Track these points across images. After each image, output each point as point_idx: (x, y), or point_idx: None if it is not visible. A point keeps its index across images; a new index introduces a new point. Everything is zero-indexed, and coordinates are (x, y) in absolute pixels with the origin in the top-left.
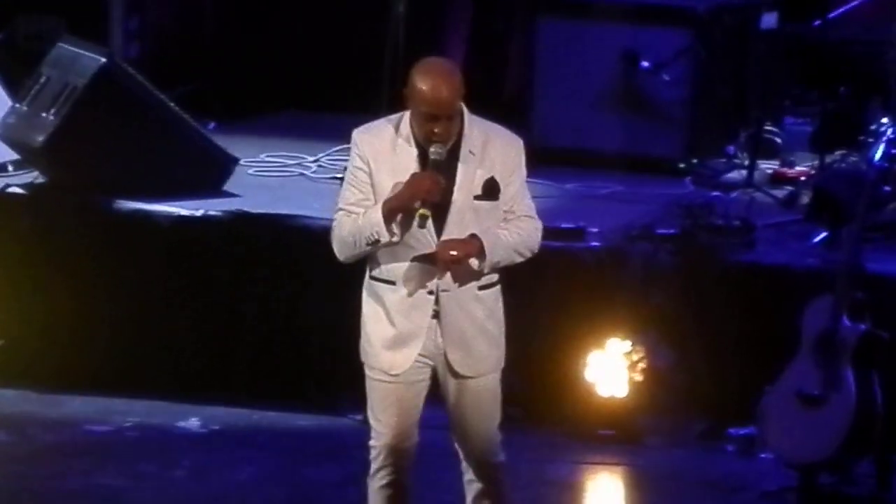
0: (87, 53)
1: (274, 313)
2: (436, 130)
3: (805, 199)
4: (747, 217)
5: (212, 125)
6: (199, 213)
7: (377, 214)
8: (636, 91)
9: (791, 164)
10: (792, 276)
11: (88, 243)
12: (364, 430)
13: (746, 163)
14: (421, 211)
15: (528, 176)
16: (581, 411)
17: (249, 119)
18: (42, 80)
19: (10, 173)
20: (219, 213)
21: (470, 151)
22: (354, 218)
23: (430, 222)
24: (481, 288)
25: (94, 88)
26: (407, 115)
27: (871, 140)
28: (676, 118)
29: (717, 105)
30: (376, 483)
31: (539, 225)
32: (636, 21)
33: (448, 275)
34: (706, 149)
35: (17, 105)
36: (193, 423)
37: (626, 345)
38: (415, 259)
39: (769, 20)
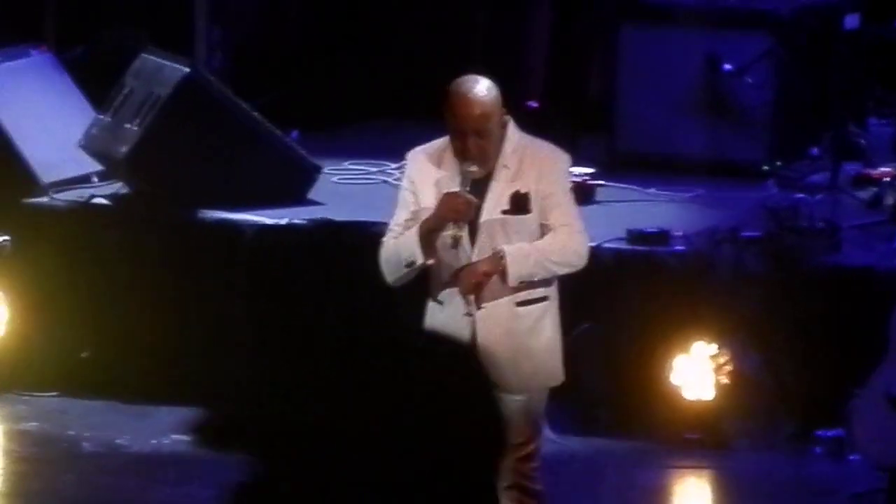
0: (170, 64)
1: (359, 323)
2: (467, 146)
3: (890, 200)
4: (832, 219)
5: (295, 134)
6: (283, 221)
7: (414, 236)
8: (719, 95)
9: (875, 166)
10: (878, 278)
11: (173, 253)
12: None
13: (830, 165)
14: (451, 231)
15: (612, 180)
16: (667, 415)
17: (332, 128)
18: (125, 90)
19: (94, 185)
20: (303, 222)
21: (504, 166)
22: (397, 241)
23: (465, 240)
24: (520, 304)
25: (177, 98)
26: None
27: None
28: (759, 121)
29: (800, 107)
30: None
31: (579, 233)
32: (718, 25)
33: (475, 297)
34: (790, 151)
35: (101, 116)
36: None
37: (713, 348)
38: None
39: (852, 21)
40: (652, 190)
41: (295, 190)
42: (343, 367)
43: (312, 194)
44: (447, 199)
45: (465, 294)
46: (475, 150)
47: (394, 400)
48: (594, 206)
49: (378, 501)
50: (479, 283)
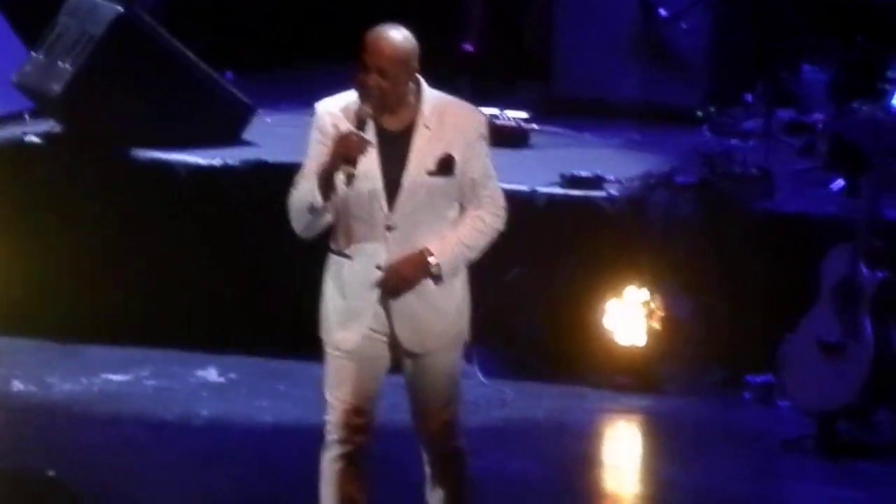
0: (103, 3)
1: (292, 262)
2: (368, 81)
3: (823, 147)
4: (765, 165)
5: (229, 74)
6: (216, 162)
7: (313, 179)
8: (654, 40)
9: (809, 112)
10: (810, 224)
11: (106, 192)
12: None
13: (764, 111)
14: (346, 168)
15: (548, 124)
16: (599, 360)
17: (267, 69)
18: (59, 29)
19: (26, 122)
20: (237, 163)
21: (425, 126)
22: (302, 187)
23: (383, 198)
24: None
25: (110, 38)
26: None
27: (888, 87)
28: (694, 67)
29: (735, 54)
30: (327, 456)
31: (501, 206)
32: None
33: (396, 253)
34: (724, 97)
35: (35, 54)
36: (211, 372)
37: (645, 293)
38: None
39: None
40: (586, 135)
41: (229, 130)
42: (277, 307)
43: (247, 135)
44: (340, 139)
45: (384, 293)
46: (374, 86)
47: None
48: (528, 151)
49: None
50: (402, 287)
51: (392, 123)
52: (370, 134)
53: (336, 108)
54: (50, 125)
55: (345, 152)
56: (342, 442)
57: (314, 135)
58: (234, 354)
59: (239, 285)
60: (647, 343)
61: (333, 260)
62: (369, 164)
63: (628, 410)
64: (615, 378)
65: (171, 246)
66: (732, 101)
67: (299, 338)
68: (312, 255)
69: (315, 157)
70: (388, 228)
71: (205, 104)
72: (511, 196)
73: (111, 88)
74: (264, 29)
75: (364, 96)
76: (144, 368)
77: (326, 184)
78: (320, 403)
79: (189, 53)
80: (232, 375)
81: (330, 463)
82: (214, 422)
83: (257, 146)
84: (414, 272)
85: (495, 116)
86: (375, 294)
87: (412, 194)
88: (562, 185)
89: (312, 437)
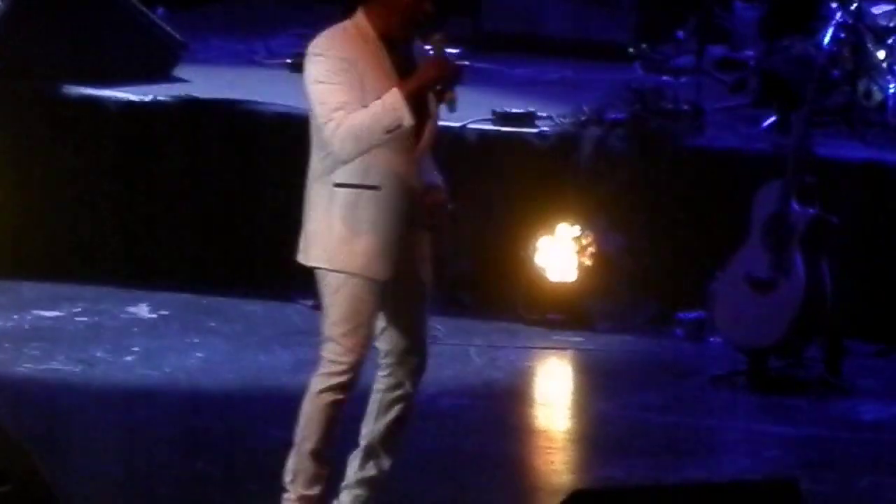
0: None
1: (223, 199)
2: (425, 7)
3: (755, 83)
4: (697, 101)
5: (160, 11)
6: (148, 98)
7: (398, 100)
8: None
9: (740, 49)
10: (741, 161)
11: (36, 129)
12: (313, 315)
13: (696, 47)
14: (448, 94)
15: (478, 61)
16: (531, 296)
17: (198, 5)
18: None
19: None
20: (168, 99)
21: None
22: (367, 109)
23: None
24: None
25: None
26: (357, 18)
27: (820, 24)
28: (625, 3)
29: None
30: (330, 398)
31: None
32: None
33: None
34: (655, 33)
35: None
36: (143, 308)
37: (576, 230)
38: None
39: None
40: (517, 71)
41: (160, 66)
42: (208, 244)
43: (178, 72)
44: (440, 63)
45: (430, 223)
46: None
47: None
48: (459, 87)
49: None
50: (444, 222)
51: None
52: (388, 57)
53: (345, 38)
54: None
55: (447, 76)
56: (349, 388)
57: (336, 64)
58: (166, 291)
59: (170, 221)
60: (579, 279)
61: (354, 193)
62: None
63: (560, 347)
64: (547, 315)
65: (102, 182)
66: (664, 37)
67: (231, 274)
68: (242, 192)
69: (347, 83)
70: (416, 160)
71: (136, 40)
72: (443, 132)
73: (41, 25)
74: None
75: (425, 19)
76: (76, 304)
77: (411, 104)
78: (251, 339)
79: None
80: (163, 311)
81: (331, 406)
82: (146, 358)
83: (189, 82)
84: (444, 205)
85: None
86: (407, 223)
87: (430, 125)
88: (493, 122)
89: (242, 373)
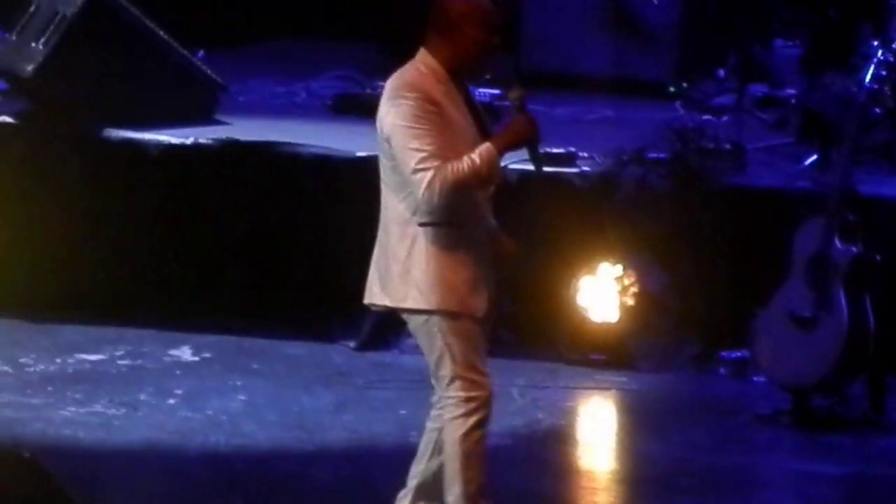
0: None
1: (264, 240)
2: (497, 45)
3: (795, 121)
4: (738, 140)
5: (201, 53)
6: (189, 140)
7: (494, 156)
8: (625, 14)
9: (781, 87)
10: (783, 199)
11: (79, 171)
12: (355, 356)
13: (736, 86)
14: (533, 152)
15: None
16: (573, 336)
17: (239, 46)
18: (31, 8)
19: None
20: (209, 141)
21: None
22: (465, 163)
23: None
24: None
25: (83, 17)
26: (424, 56)
27: (860, 61)
28: (666, 41)
29: (707, 28)
30: (477, 435)
31: None
32: None
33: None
34: (696, 72)
35: (6, 35)
36: (185, 351)
37: (618, 269)
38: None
39: None
40: (558, 110)
41: (201, 109)
42: (250, 286)
43: (219, 113)
44: (531, 122)
45: (507, 260)
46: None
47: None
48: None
49: None
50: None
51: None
52: (459, 94)
53: (425, 76)
54: (22, 105)
55: (535, 136)
56: (490, 412)
57: (422, 106)
58: (208, 333)
59: (212, 264)
60: (621, 319)
61: (441, 231)
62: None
63: (602, 387)
64: (589, 354)
65: (143, 224)
66: (704, 75)
67: (272, 315)
68: (282, 233)
69: (434, 126)
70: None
71: (177, 84)
72: None
73: (83, 68)
74: (235, 6)
75: (494, 54)
76: (118, 348)
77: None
78: (293, 381)
79: (161, 32)
80: (206, 354)
81: (481, 441)
82: (188, 400)
83: (229, 124)
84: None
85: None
86: (490, 260)
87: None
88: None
89: (285, 415)
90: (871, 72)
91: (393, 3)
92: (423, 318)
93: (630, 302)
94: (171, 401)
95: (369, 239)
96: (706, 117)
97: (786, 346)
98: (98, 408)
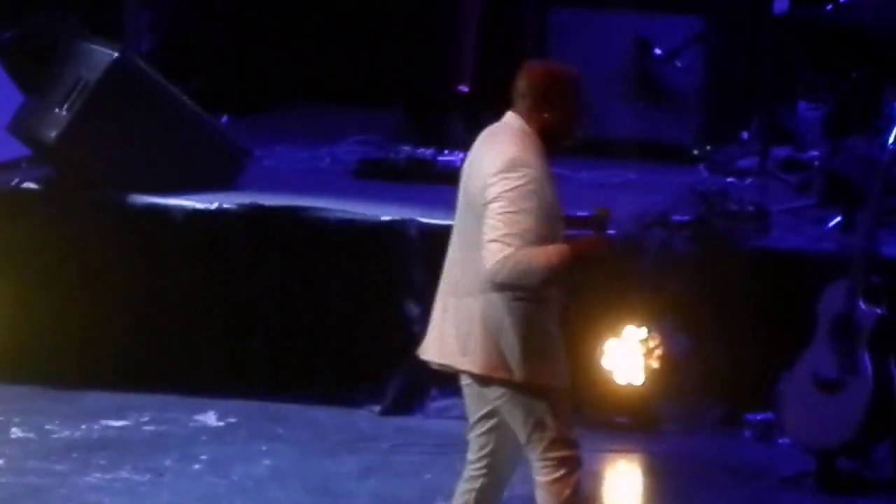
0: (99, 48)
1: (289, 306)
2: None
3: (819, 183)
4: (762, 203)
5: (225, 118)
6: (213, 206)
7: (567, 260)
8: (649, 78)
9: (805, 150)
10: (807, 261)
11: (103, 238)
12: (380, 421)
13: (760, 148)
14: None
15: None
16: (598, 399)
17: (262, 112)
18: (55, 75)
19: (23, 169)
20: (233, 206)
21: None
22: (543, 256)
23: None
24: None
25: (106, 83)
26: (522, 125)
27: (884, 124)
28: (690, 105)
29: (730, 91)
30: (579, 494)
31: None
32: (648, 8)
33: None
34: (720, 135)
35: (30, 101)
36: (210, 416)
37: (643, 332)
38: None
39: (781, 5)
40: (583, 174)
41: (225, 175)
42: (275, 351)
43: (243, 179)
44: (607, 244)
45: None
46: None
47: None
48: None
49: None
50: None
51: None
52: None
53: (534, 149)
54: (47, 172)
55: (607, 257)
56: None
57: (530, 185)
58: (233, 398)
59: (237, 329)
60: (646, 382)
61: (532, 305)
62: None
63: (627, 450)
64: (614, 417)
65: (168, 290)
66: (728, 138)
67: (297, 380)
68: (308, 299)
69: (537, 207)
70: None
71: (201, 149)
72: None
73: (107, 134)
74: (258, 72)
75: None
76: (143, 414)
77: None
78: (318, 446)
79: (184, 97)
80: (231, 419)
81: (578, 492)
82: (214, 466)
83: (253, 190)
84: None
85: None
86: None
87: None
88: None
89: (310, 481)
90: (894, 134)
91: (417, 68)
92: (513, 386)
93: (655, 365)
94: (196, 466)
95: (393, 303)
96: (730, 180)
97: (811, 408)
98: (123, 474)
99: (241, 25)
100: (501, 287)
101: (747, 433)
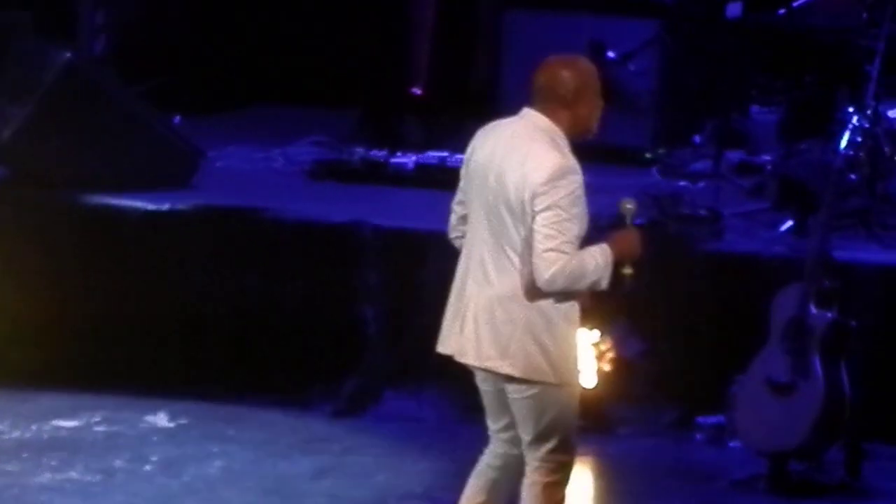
0: (51, 49)
1: (242, 306)
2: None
3: (772, 187)
4: (715, 206)
5: (177, 119)
6: (165, 207)
7: (610, 263)
8: (603, 82)
9: (758, 153)
10: (760, 265)
11: (56, 238)
12: (333, 422)
13: (713, 152)
14: (628, 269)
15: None
16: None
17: (215, 112)
18: (7, 75)
19: None
20: (186, 207)
21: None
22: (594, 262)
23: None
24: None
25: (58, 84)
26: (552, 126)
27: (837, 128)
28: (643, 108)
29: (684, 95)
30: (564, 491)
31: None
32: (603, 12)
33: None
34: (673, 138)
35: None
36: (162, 417)
37: (595, 335)
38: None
39: (734, 9)
40: None
41: (178, 175)
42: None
43: (196, 179)
44: (640, 239)
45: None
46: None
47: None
48: None
49: None
50: None
51: None
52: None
53: (570, 150)
54: None
55: (634, 253)
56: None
57: (579, 187)
58: (185, 399)
59: (190, 330)
60: (598, 385)
61: (571, 307)
62: None
63: (579, 452)
64: None
65: (120, 291)
66: (681, 142)
67: (249, 381)
68: (261, 299)
69: (582, 213)
70: None
71: (154, 149)
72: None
73: (60, 134)
74: (211, 73)
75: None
76: (95, 414)
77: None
78: (271, 447)
79: (137, 98)
80: (182, 420)
81: (565, 494)
82: (165, 466)
83: (207, 191)
84: None
85: (444, 159)
86: None
87: None
88: None
89: (263, 482)
90: (846, 138)
91: (371, 70)
92: (546, 386)
93: (607, 368)
94: (148, 467)
95: (347, 304)
96: (683, 183)
97: (763, 411)
98: (74, 475)
99: (196, 26)
100: (555, 293)
101: (699, 436)
